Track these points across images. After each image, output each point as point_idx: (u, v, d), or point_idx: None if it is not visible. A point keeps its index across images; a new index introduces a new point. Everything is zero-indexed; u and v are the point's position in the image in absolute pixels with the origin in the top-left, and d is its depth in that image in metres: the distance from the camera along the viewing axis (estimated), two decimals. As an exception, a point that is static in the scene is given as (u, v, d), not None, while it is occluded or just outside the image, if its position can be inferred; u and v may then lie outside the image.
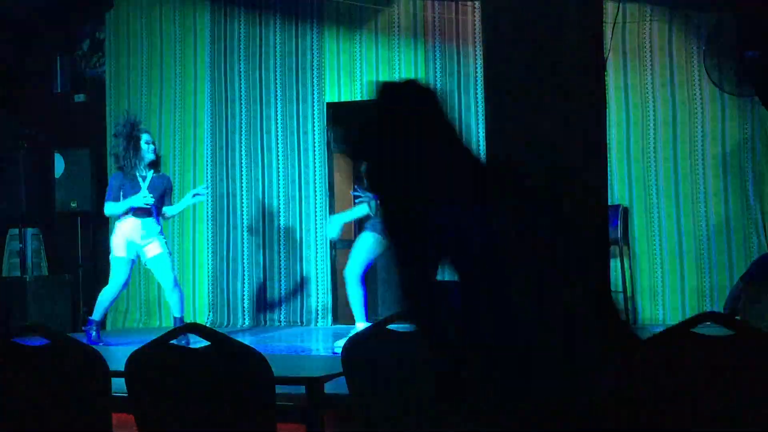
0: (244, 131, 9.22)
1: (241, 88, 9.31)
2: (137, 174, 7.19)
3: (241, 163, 9.18)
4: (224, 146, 9.29)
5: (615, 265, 7.91)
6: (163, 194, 7.26)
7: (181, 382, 2.70)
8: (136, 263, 7.38)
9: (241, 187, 9.02)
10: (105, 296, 7.40)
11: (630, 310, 7.92)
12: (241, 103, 9.29)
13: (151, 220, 7.19)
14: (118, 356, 2.81)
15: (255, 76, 9.24)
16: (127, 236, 7.21)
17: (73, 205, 9.60)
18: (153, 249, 7.18)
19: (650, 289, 7.97)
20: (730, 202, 7.79)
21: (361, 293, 6.87)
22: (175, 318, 7.35)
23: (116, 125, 7.70)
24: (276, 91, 9.15)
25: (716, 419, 2.61)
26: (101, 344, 6.88)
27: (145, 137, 7.24)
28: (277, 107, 9.08)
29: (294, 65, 9.08)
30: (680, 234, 7.90)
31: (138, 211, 7.17)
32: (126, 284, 7.41)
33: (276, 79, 9.16)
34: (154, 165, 7.26)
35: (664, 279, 7.94)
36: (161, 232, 7.29)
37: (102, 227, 9.85)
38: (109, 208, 7.30)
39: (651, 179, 8.00)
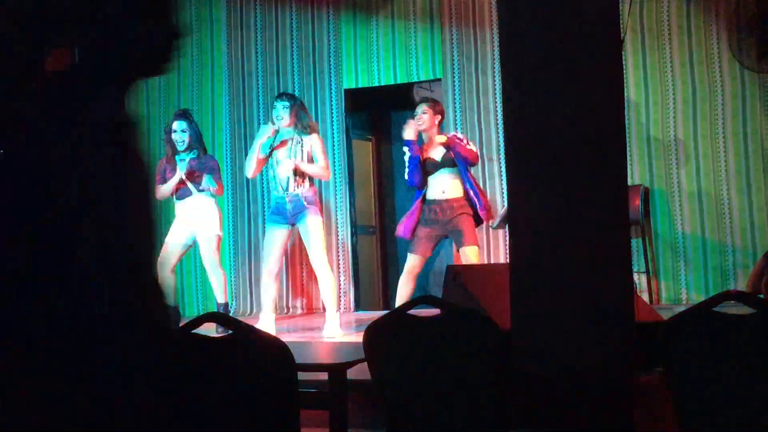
0: (262, 120, 9.23)
1: (258, 76, 9.33)
2: (177, 159, 7.25)
3: (261, 151, 9.19)
4: (243, 135, 9.31)
5: (637, 245, 7.88)
6: (202, 175, 7.20)
7: (202, 371, 2.71)
8: (186, 247, 7.35)
9: (261, 175, 9.04)
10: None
11: (653, 290, 7.89)
12: (258, 92, 9.31)
13: (193, 198, 7.17)
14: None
15: (272, 63, 9.26)
16: (180, 220, 7.26)
17: (95, 197, 9.65)
18: (201, 229, 7.18)
19: (672, 268, 7.94)
20: (751, 179, 7.74)
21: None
22: (218, 304, 7.36)
23: None
24: (293, 79, 9.16)
25: (740, 398, 2.60)
26: None
27: (174, 125, 7.26)
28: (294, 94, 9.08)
29: (311, 52, 9.09)
30: (702, 213, 7.86)
31: (181, 194, 7.20)
32: (169, 269, 7.36)
33: (293, 67, 9.17)
34: (194, 148, 7.24)
35: (687, 258, 7.90)
36: (210, 208, 7.24)
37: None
38: (158, 192, 7.38)
39: (671, 159, 7.96)
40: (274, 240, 6.90)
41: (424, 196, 6.74)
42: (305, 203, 6.80)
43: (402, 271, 6.79)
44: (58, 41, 2.28)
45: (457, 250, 6.88)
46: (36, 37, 2.19)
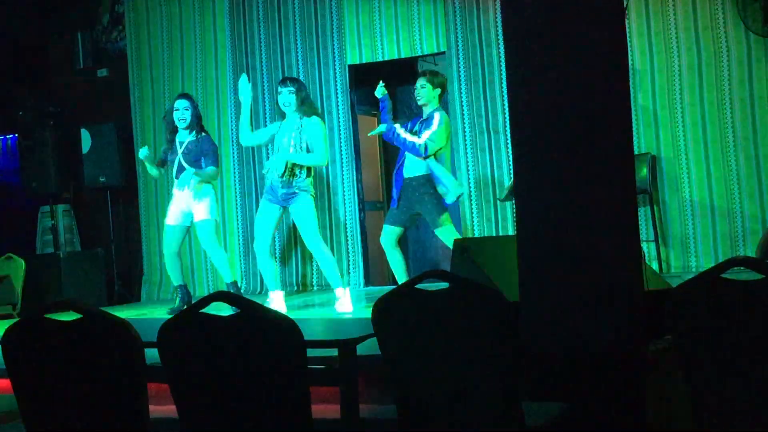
0: (267, 98, 9.22)
1: (261, 54, 9.30)
2: (177, 139, 7.28)
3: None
4: (248, 114, 9.30)
5: (645, 213, 7.86)
6: (199, 158, 7.23)
7: (212, 351, 2.72)
8: (184, 229, 7.38)
9: (267, 153, 9.02)
10: (167, 266, 7.48)
11: (662, 259, 7.88)
12: (262, 70, 9.29)
13: (191, 183, 7.18)
14: (154, 327, 2.83)
15: (275, 42, 9.23)
16: (178, 203, 7.28)
17: (102, 179, 9.67)
18: (198, 213, 7.21)
19: (681, 236, 7.92)
20: (759, 145, 7.69)
21: None
22: (227, 284, 7.40)
23: None
24: (297, 56, 9.13)
25: (749, 363, 2.60)
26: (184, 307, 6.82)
27: (176, 104, 7.28)
28: (299, 72, 9.06)
29: (314, 29, 9.06)
30: (710, 179, 7.83)
31: (178, 175, 7.23)
32: (173, 251, 7.39)
33: (296, 45, 9.14)
34: (193, 129, 7.25)
35: (695, 226, 7.88)
36: (207, 193, 7.26)
37: (132, 201, 9.94)
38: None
39: (678, 126, 7.92)
40: (265, 218, 6.94)
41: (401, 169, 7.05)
42: (296, 190, 6.81)
43: (408, 248, 6.94)
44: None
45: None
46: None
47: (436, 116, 6.85)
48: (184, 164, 7.19)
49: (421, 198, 6.88)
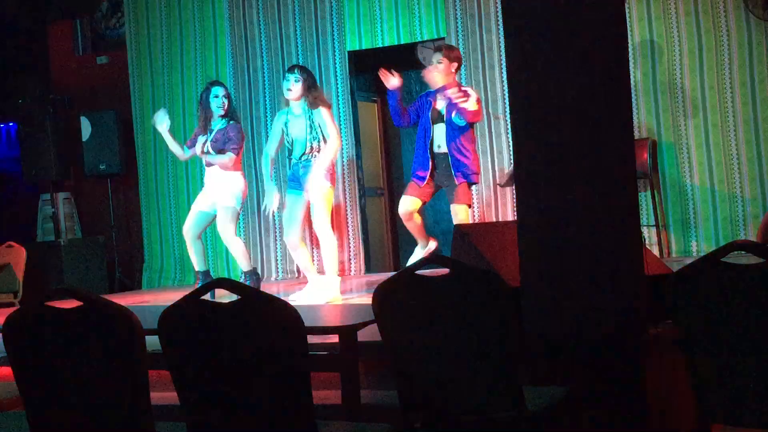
0: (267, 84, 9.21)
1: (261, 40, 9.28)
2: (209, 126, 7.25)
3: (266, 115, 9.18)
4: (248, 100, 9.29)
5: (645, 198, 7.86)
6: (224, 145, 7.22)
7: (213, 337, 2.72)
8: (209, 216, 7.36)
9: (267, 139, 9.02)
10: (189, 250, 7.44)
11: (663, 243, 7.88)
12: (262, 57, 9.27)
13: (217, 170, 7.19)
14: (155, 314, 2.83)
15: (275, 27, 9.21)
16: (206, 191, 7.29)
17: (102, 167, 9.67)
18: (221, 199, 7.19)
19: (682, 221, 7.92)
20: (760, 129, 7.69)
21: None
22: (243, 273, 7.38)
23: None
24: (296, 43, 9.11)
25: (749, 346, 2.60)
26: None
27: (214, 91, 7.24)
28: (298, 58, 9.04)
29: (313, 15, 9.03)
30: (710, 164, 7.82)
31: (207, 161, 7.22)
32: (194, 235, 7.37)
33: (296, 31, 9.12)
34: (227, 116, 7.24)
35: (696, 210, 7.87)
36: (232, 180, 7.23)
37: (133, 188, 9.94)
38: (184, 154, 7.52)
39: (678, 110, 7.91)
40: (293, 210, 6.89)
41: (431, 145, 6.88)
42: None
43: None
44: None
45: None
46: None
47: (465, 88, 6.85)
48: (211, 151, 7.18)
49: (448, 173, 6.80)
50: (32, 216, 10.12)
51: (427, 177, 6.84)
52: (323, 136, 6.77)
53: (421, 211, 7.02)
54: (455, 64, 6.90)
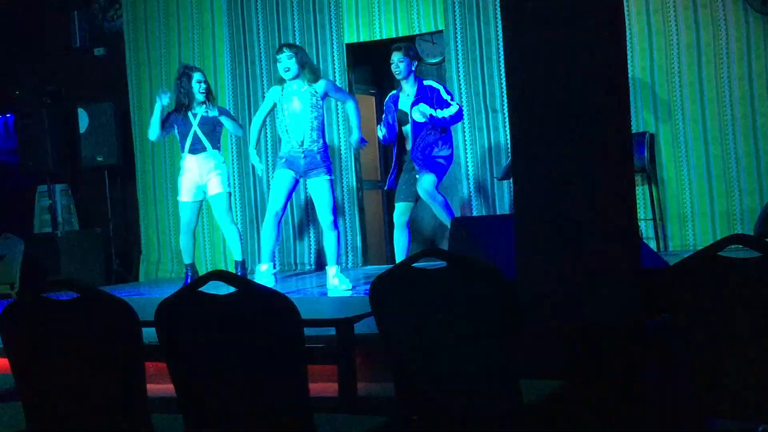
0: (264, 77, 9.19)
1: (259, 33, 9.26)
2: (189, 113, 7.26)
3: (263, 108, 9.15)
4: (246, 93, 9.28)
5: (643, 192, 7.86)
6: (215, 126, 7.24)
7: (209, 329, 2.72)
8: (199, 204, 7.37)
9: (264, 132, 9.01)
10: (182, 243, 7.46)
11: (660, 237, 7.88)
12: (260, 49, 9.25)
13: (207, 155, 7.19)
14: (151, 306, 2.83)
15: (273, 20, 9.19)
16: (191, 177, 7.26)
17: (100, 159, 9.66)
18: (213, 187, 7.21)
19: (679, 214, 7.92)
20: (758, 123, 7.68)
21: None
22: (236, 262, 7.40)
23: None
24: (294, 35, 9.09)
25: (746, 340, 2.60)
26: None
27: (196, 76, 7.24)
28: (296, 51, 9.01)
29: (311, 7, 9.01)
30: (708, 158, 7.82)
31: (193, 148, 7.21)
32: (191, 229, 7.39)
33: (294, 23, 9.10)
34: (208, 102, 7.25)
35: (693, 204, 7.87)
36: (221, 166, 7.28)
37: (130, 180, 9.92)
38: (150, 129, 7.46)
39: (676, 104, 7.91)
40: (283, 184, 6.88)
41: (404, 147, 7.17)
42: (320, 159, 6.80)
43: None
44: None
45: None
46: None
47: (434, 87, 7.03)
48: (201, 135, 7.17)
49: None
50: (29, 208, 10.10)
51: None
52: (324, 112, 6.90)
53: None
54: (415, 62, 7.12)
